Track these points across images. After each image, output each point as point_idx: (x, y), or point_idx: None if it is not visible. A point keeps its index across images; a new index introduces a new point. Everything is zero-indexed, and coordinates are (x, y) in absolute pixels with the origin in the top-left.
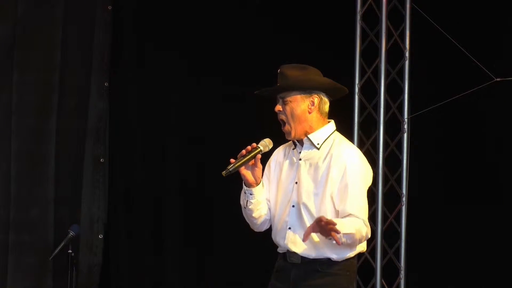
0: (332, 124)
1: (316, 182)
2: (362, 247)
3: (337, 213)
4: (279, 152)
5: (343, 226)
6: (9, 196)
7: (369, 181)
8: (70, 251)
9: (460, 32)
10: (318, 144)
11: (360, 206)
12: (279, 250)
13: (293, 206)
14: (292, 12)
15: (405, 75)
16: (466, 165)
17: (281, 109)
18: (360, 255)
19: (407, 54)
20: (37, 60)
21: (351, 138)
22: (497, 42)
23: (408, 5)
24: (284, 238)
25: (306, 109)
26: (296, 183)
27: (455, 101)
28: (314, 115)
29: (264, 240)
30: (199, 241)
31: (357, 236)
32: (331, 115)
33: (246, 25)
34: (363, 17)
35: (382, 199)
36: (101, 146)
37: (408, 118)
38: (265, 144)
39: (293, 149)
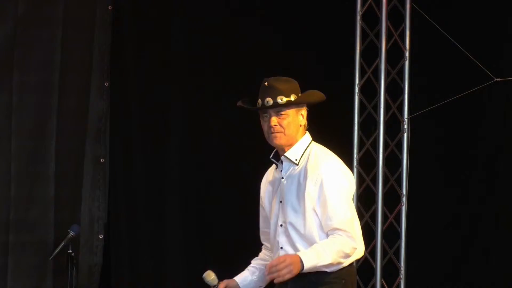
0: (307, 136)
1: (298, 198)
2: (358, 254)
3: (321, 226)
4: (267, 175)
5: (319, 258)
6: (9, 196)
7: (350, 190)
8: (70, 251)
9: (460, 32)
10: (296, 160)
11: (342, 218)
12: None
13: (281, 225)
14: (292, 12)
15: (405, 75)
16: (466, 165)
17: (277, 123)
18: None
19: (407, 54)
20: (37, 60)
21: (351, 138)
22: (497, 42)
23: (408, 5)
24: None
25: (298, 122)
26: (281, 201)
27: (455, 101)
28: (302, 127)
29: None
30: (200, 241)
31: (339, 257)
32: (331, 115)
33: (245, 25)
34: (363, 17)
35: (382, 199)
36: (101, 146)
37: (408, 118)
38: (211, 279)
39: (276, 169)
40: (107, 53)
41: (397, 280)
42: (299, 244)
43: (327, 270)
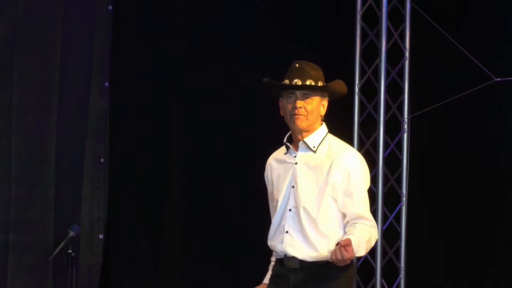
0: (324, 126)
1: (316, 185)
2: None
3: (342, 216)
4: (271, 161)
5: (359, 249)
6: (9, 196)
7: (369, 182)
8: (70, 251)
9: (460, 32)
10: (314, 147)
11: (367, 208)
12: (276, 255)
13: (290, 210)
14: (292, 11)
15: (405, 75)
16: (466, 165)
17: (303, 106)
18: None
19: (407, 54)
20: (37, 60)
21: (351, 138)
22: (497, 42)
23: (408, 5)
24: (282, 242)
25: (320, 111)
26: (293, 187)
27: (455, 101)
28: (320, 118)
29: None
30: (200, 241)
31: (368, 249)
32: (331, 115)
33: (245, 25)
34: (363, 17)
35: (382, 199)
36: (101, 146)
37: (408, 118)
38: None
39: (285, 153)
40: (107, 53)
41: (397, 280)
42: (308, 229)
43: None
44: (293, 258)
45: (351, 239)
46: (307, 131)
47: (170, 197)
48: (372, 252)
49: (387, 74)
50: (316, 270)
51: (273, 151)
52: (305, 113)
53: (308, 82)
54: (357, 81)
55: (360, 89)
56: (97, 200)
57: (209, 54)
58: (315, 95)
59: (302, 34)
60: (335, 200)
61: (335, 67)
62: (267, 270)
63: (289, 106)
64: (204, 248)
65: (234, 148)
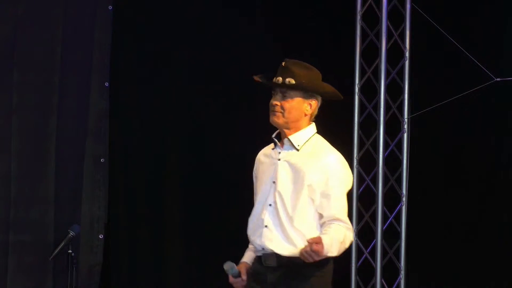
0: (313, 126)
1: (295, 183)
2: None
3: (318, 216)
4: (261, 154)
5: (331, 249)
6: (9, 196)
7: (349, 185)
8: (70, 251)
9: (460, 32)
10: (298, 145)
11: (343, 210)
12: (255, 251)
13: (270, 204)
14: (292, 11)
15: (405, 75)
16: (466, 165)
17: (278, 104)
18: (359, 254)
19: (407, 54)
20: (37, 60)
21: (351, 138)
22: (497, 42)
23: (408, 5)
24: (261, 236)
25: (304, 110)
26: (274, 182)
27: (455, 101)
28: (307, 116)
29: None
30: (200, 241)
31: (341, 251)
32: (332, 115)
33: (245, 25)
34: (363, 17)
35: (382, 199)
36: (101, 146)
37: (408, 118)
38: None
39: (273, 149)
40: (107, 53)
41: (397, 280)
42: (285, 225)
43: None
44: (271, 256)
45: (322, 238)
46: (288, 129)
47: (170, 197)
48: (372, 252)
49: (387, 74)
50: (293, 269)
51: None
52: (281, 111)
53: (287, 81)
54: (357, 81)
55: (360, 89)
56: (97, 200)
57: (209, 54)
58: (295, 94)
59: (302, 34)
60: (312, 200)
61: (335, 67)
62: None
63: (270, 102)
64: (204, 248)
65: (235, 148)
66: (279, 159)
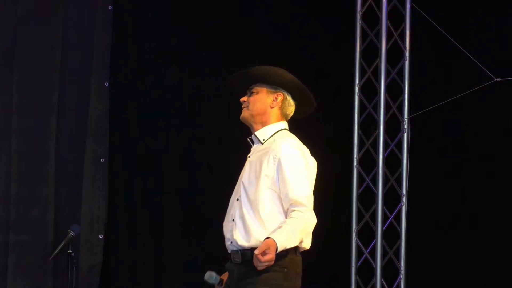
0: (283, 123)
1: (254, 175)
2: (305, 244)
3: (279, 204)
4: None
5: (288, 242)
6: (9, 196)
7: (308, 168)
8: (70, 251)
9: (460, 32)
10: (263, 140)
11: (302, 193)
12: (228, 249)
13: (237, 199)
14: (292, 11)
15: (405, 75)
16: (466, 165)
17: (245, 100)
18: (359, 254)
19: (407, 54)
20: (37, 60)
21: (351, 138)
22: (497, 41)
23: (408, 5)
24: (230, 230)
25: (269, 103)
26: (240, 178)
27: (455, 101)
28: (275, 111)
29: None
30: (200, 241)
31: (304, 237)
32: (332, 115)
33: (245, 25)
34: (363, 17)
35: (382, 199)
36: (101, 146)
37: (408, 118)
38: (213, 278)
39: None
40: (107, 53)
41: (397, 280)
42: (246, 217)
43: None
44: (236, 252)
45: (273, 236)
46: (255, 123)
47: (170, 197)
48: (372, 252)
49: (387, 74)
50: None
51: None
52: (247, 105)
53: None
54: (357, 81)
55: (360, 89)
56: (97, 200)
57: (209, 54)
58: (260, 88)
59: (302, 34)
60: (271, 189)
61: (335, 67)
62: None
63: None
64: (204, 248)
65: (235, 148)
66: (249, 156)
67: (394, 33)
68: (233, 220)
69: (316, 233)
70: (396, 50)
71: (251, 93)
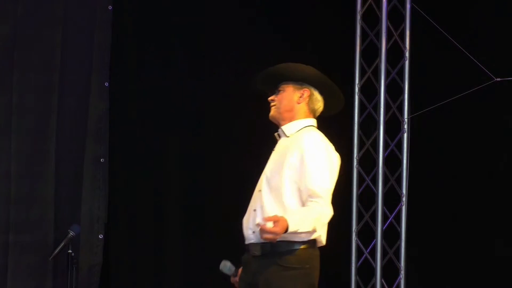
0: (311, 120)
1: (277, 167)
2: (322, 238)
3: (299, 196)
4: None
5: (300, 226)
6: (9, 196)
7: (330, 162)
8: (70, 251)
9: (460, 32)
10: (289, 134)
11: (320, 186)
12: (246, 241)
13: (259, 190)
14: (292, 11)
15: (405, 75)
16: (466, 164)
17: (273, 99)
18: (359, 254)
19: (407, 54)
20: (37, 60)
21: (351, 138)
22: (497, 42)
23: (408, 5)
24: (249, 220)
25: (296, 99)
26: (264, 170)
27: (455, 101)
28: (302, 107)
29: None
30: (200, 241)
31: (317, 226)
32: (332, 115)
33: (245, 25)
34: (363, 17)
35: (382, 199)
36: (101, 146)
37: (408, 118)
38: (227, 268)
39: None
40: (107, 53)
41: (397, 280)
42: (267, 208)
43: (303, 237)
44: (255, 244)
45: (287, 217)
46: (283, 120)
47: (170, 197)
48: (372, 252)
49: (387, 74)
50: (275, 259)
51: (268, 150)
52: (275, 104)
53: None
54: (357, 81)
55: (360, 89)
56: (97, 200)
57: (209, 54)
58: (286, 85)
59: (302, 34)
60: (293, 180)
61: (335, 67)
62: None
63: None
64: (204, 248)
65: (235, 148)
66: (274, 150)
67: (394, 33)
68: (254, 210)
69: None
70: (396, 50)
71: (278, 91)
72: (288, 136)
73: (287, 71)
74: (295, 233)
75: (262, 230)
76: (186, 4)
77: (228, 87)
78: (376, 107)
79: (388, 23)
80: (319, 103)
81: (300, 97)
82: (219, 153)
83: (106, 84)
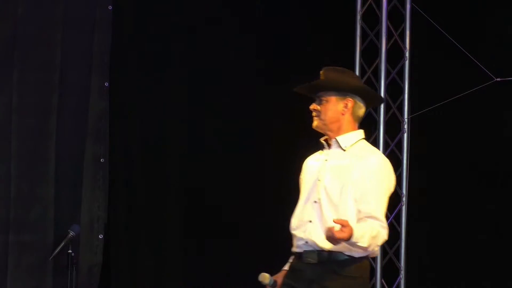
0: (361, 132)
1: (339, 181)
2: (375, 254)
3: (357, 212)
4: (308, 160)
5: (361, 239)
6: (9, 196)
7: (391, 187)
8: (70, 251)
9: (460, 32)
10: (345, 146)
11: (381, 210)
12: (295, 249)
13: (315, 201)
14: (291, 11)
15: (405, 75)
16: (466, 164)
17: (316, 108)
18: None
19: (407, 54)
20: (37, 60)
21: None
22: (497, 42)
23: (408, 5)
24: (305, 231)
25: (340, 110)
26: (319, 180)
27: (455, 101)
28: (346, 117)
29: (266, 243)
30: (199, 241)
31: (373, 245)
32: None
33: (244, 25)
34: (363, 17)
35: None
36: (101, 146)
37: (408, 118)
38: (267, 281)
39: (322, 150)
40: (107, 53)
41: (397, 280)
42: (328, 220)
43: (356, 251)
44: (312, 252)
45: (354, 227)
46: (330, 131)
47: (170, 197)
48: None
49: (387, 74)
50: (333, 267)
51: (269, 152)
52: (317, 114)
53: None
54: None
55: None
56: (97, 200)
57: (209, 54)
58: (329, 95)
59: (302, 34)
60: (354, 198)
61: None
62: (270, 270)
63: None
64: (204, 248)
65: (235, 148)
66: (326, 160)
67: (394, 33)
68: (310, 221)
69: None
70: (396, 50)
71: (321, 101)
72: (344, 149)
73: (329, 82)
74: (353, 245)
75: (330, 231)
76: (186, 4)
77: (228, 87)
78: (376, 107)
79: (388, 23)
80: (362, 110)
81: (344, 107)
82: (219, 153)
83: (106, 84)
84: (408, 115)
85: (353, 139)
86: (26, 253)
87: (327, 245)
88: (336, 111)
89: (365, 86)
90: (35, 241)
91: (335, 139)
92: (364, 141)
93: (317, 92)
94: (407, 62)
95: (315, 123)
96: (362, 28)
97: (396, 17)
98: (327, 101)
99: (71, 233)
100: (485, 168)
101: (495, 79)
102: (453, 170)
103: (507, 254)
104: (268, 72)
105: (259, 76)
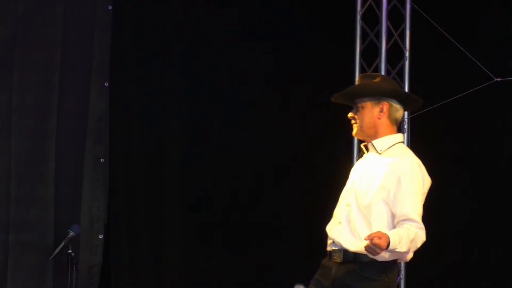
0: (399, 136)
1: (369, 183)
2: (409, 256)
3: (392, 216)
4: (357, 162)
5: (399, 245)
6: (9, 196)
7: (423, 187)
8: (70, 251)
9: (460, 32)
10: (380, 150)
11: (416, 211)
12: (327, 248)
13: (346, 204)
14: (291, 11)
15: (405, 75)
16: (466, 164)
17: (353, 116)
18: None
19: (407, 54)
20: (37, 60)
21: (351, 138)
22: (497, 42)
23: (408, 5)
24: (333, 231)
25: (376, 115)
26: (353, 184)
27: (455, 101)
28: (383, 121)
29: (266, 243)
30: (199, 241)
31: (412, 249)
32: (337, 115)
33: (244, 25)
34: (363, 17)
35: None
36: (101, 146)
37: (408, 118)
38: None
39: (363, 154)
40: (107, 53)
41: (397, 280)
42: (356, 223)
43: (397, 256)
44: (338, 251)
45: (388, 233)
46: (369, 136)
47: (170, 197)
48: None
49: (387, 74)
50: (356, 267)
51: (267, 150)
52: (356, 122)
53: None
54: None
55: None
56: (97, 200)
57: (209, 54)
58: (364, 101)
59: (302, 35)
60: (385, 201)
61: (336, 67)
62: (268, 271)
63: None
64: (204, 248)
65: (234, 148)
66: (363, 164)
67: (394, 33)
68: (339, 222)
69: (317, 233)
70: (396, 50)
71: (357, 108)
72: (379, 153)
73: (362, 88)
74: (393, 251)
75: (368, 243)
76: (186, 4)
77: (229, 87)
78: None
79: (388, 23)
80: (399, 112)
81: (380, 111)
82: (219, 152)
83: (106, 84)
84: (408, 115)
85: (389, 143)
86: (26, 253)
87: (352, 247)
88: (372, 116)
89: (399, 88)
90: (35, 241)
91: (372, 143)
92: (401, 144)
93: (353, 99)
94: (407, 62)
95: (354, 130)
96: (362, 28)
97: (396, 17)
98: (362, 107)
99: (71, 233)
100: (485, 167)
101: (495, 79)
102: (453, 170)
103: (507, 254)
104: (268, 72)
105: (259, 75)
